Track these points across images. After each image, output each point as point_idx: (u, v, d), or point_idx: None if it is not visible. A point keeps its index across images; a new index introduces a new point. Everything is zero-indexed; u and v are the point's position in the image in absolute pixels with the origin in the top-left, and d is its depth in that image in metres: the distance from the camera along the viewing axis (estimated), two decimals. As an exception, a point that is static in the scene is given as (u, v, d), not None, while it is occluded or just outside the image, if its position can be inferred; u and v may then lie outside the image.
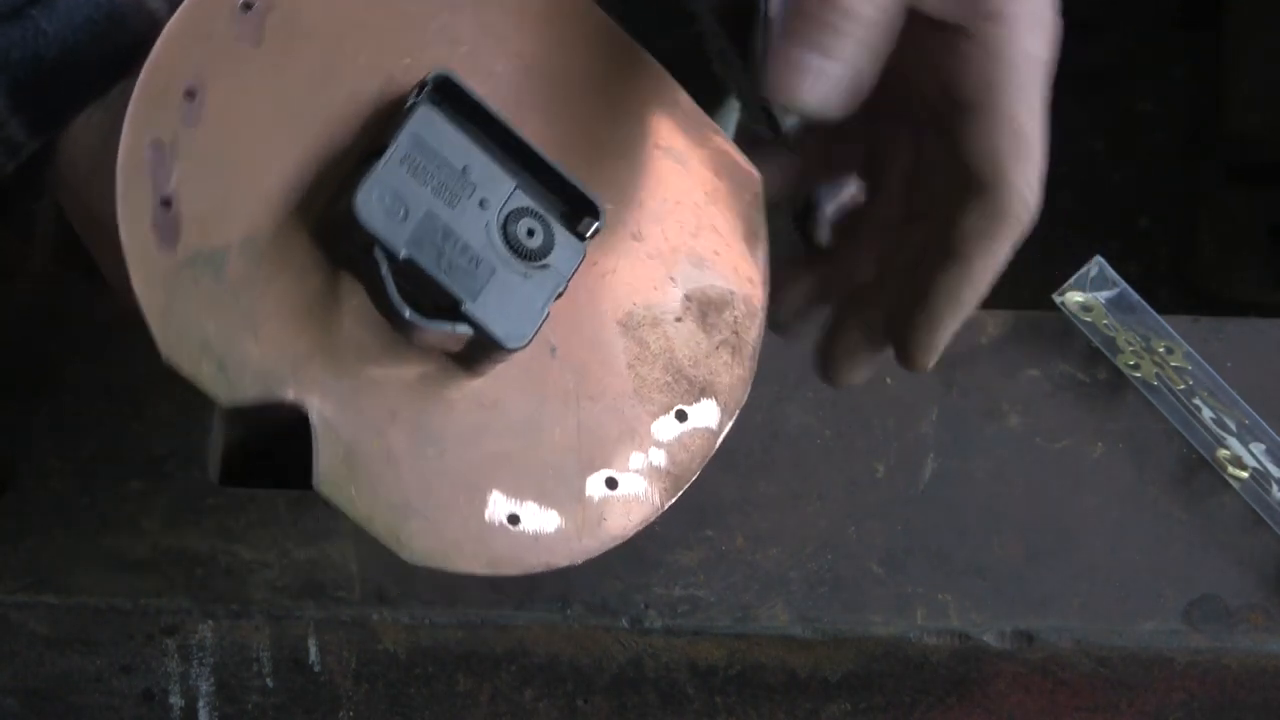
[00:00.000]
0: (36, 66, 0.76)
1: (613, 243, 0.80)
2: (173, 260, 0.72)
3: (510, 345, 0.75)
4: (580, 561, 0.78)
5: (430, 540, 0.75)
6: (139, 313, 0.73)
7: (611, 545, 0.80)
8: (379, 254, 0.73)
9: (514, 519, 0.77)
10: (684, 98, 0.82)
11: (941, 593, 0.86)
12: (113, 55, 0.77)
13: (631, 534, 0.80)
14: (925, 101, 0.75)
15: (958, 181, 0.73)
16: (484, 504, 0.77)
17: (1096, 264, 0.95)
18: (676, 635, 0.85)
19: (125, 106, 0.72)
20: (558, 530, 0.78)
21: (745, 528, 0.88)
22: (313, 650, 0.85)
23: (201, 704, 0.86)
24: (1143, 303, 0.94)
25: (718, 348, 0.82)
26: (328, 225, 0.74)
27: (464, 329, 0.74)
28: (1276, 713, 0.87)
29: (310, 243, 0.74)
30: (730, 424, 0.82)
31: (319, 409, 0.74)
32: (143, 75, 0.72)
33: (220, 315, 0.72)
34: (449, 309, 0.74)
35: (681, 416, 0.82)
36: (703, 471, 0.82)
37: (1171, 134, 2.02)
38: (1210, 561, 0.88)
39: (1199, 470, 0.90)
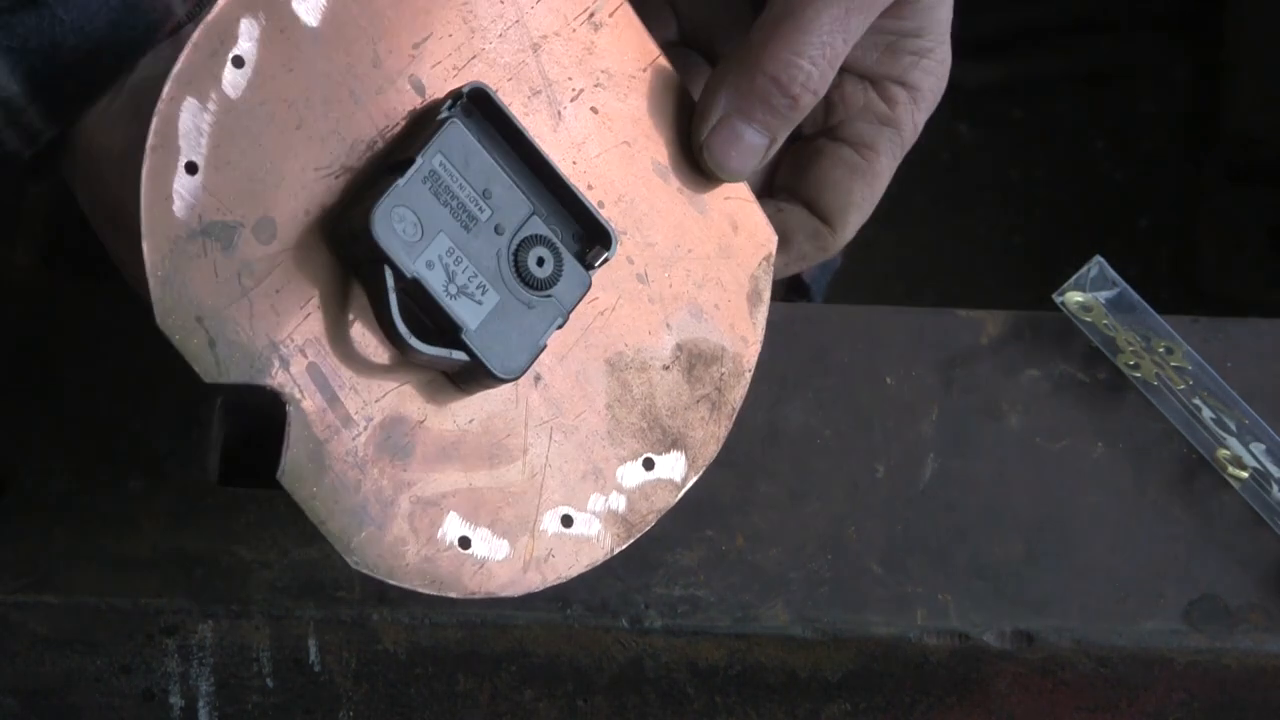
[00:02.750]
0: (54, 54, 0.76)
1: (617, 280, 0.80)
2: (186, 226, 0.71)
3: (505, 377, 0.75)
4: (519, 594, 0.78)
5: (378, 550, 0.75)
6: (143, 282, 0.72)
7: (553, 584, 0.79)
8: (388, 271, 0.73)
9: (465, 542, 0.77)
10: None
11: (941, 593, 0.86)
12: (129, 43, 0.77)
13: (574, 576, 0.79)
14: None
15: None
16: (439, 523, 0.76)
17: (1096, 264, 0.95)
18: (676, 635, 0.85)
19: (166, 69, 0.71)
20: (505, 559, 0.77)
21: (745, 528, 0.88)
22: (313, 650, 0.85)
23: (201, 704, 0.86)
24: (1143, 303, 0.94)
25: (698, 402, 0.82)
26: (343, 229, 0.74)
27: (461, 356, 0.74)
28: (1276, 713, 0.87)
29: (321, 238, 0.74)
30: (695, 480, 0.81)
31: (299, 402, 0.73)
32: (197, 33, 0.71)
33: (220, 291, 0.72)
34: (449, 334, 0.74)
35: (649, 465, 0.81)
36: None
37: (1172, 134, 2.02)
38: (1210, 561, 0.88)
39: (1199, 470, 0.90)
